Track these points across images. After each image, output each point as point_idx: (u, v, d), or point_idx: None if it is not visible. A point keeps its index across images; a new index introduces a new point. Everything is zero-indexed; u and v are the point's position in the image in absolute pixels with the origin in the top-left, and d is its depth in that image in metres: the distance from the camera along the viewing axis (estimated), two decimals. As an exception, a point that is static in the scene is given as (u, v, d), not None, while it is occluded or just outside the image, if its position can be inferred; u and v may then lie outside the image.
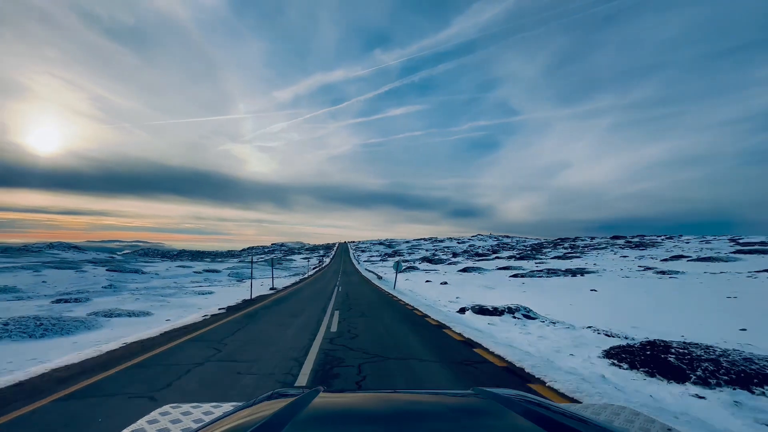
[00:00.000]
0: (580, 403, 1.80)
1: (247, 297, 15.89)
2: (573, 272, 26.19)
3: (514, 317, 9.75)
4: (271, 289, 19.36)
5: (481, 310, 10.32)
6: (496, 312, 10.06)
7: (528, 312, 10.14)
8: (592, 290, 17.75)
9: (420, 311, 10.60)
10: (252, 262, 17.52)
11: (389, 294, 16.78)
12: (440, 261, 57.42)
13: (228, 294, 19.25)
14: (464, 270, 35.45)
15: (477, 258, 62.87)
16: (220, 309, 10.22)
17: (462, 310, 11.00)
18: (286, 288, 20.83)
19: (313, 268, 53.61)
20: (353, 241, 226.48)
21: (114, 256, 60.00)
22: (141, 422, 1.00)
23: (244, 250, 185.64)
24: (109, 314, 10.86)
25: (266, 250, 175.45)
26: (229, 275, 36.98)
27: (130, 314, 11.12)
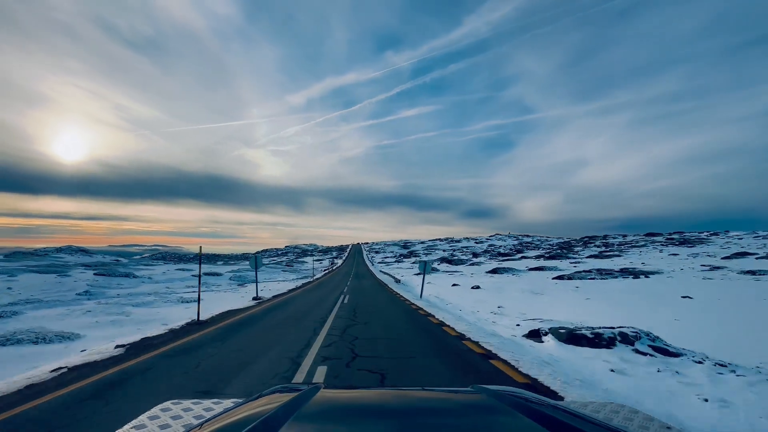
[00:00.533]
0: (580, 401, 1.56)
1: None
2: (633, 273, 21.53)
3: (638, 351, 5.71)
4: (254, 299, 15.31)
5: (572, 338, 6.28)
6: (600, 340, 6.02)
7: (653, 341, 6.07)
8: (684, 297, 13.33)
9: (505, 362, 4.99)
10: (201, 263, 13.67)
11: (415, 307, 11.51)
12: (461, 261, 52.68)
13: (217, 301, 15.85)
14: (494, 271, 30.92)
15: (501, 258, 57.91)
16: (117, 347, 6.18)
17: (534, 335, 6.97)
18: (275, 297, 16.28)
19: (323, 270, 50.06)
20: (367, 243, 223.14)
21: (120, 259, 58.14)
22: (142, 418, 0.99)
23: (257, 252, 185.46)
24: (4, 341, 7.41)
25: (279, 252, 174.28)
26: (230, 279, 33.84)
27: (39, 339, 7.64)
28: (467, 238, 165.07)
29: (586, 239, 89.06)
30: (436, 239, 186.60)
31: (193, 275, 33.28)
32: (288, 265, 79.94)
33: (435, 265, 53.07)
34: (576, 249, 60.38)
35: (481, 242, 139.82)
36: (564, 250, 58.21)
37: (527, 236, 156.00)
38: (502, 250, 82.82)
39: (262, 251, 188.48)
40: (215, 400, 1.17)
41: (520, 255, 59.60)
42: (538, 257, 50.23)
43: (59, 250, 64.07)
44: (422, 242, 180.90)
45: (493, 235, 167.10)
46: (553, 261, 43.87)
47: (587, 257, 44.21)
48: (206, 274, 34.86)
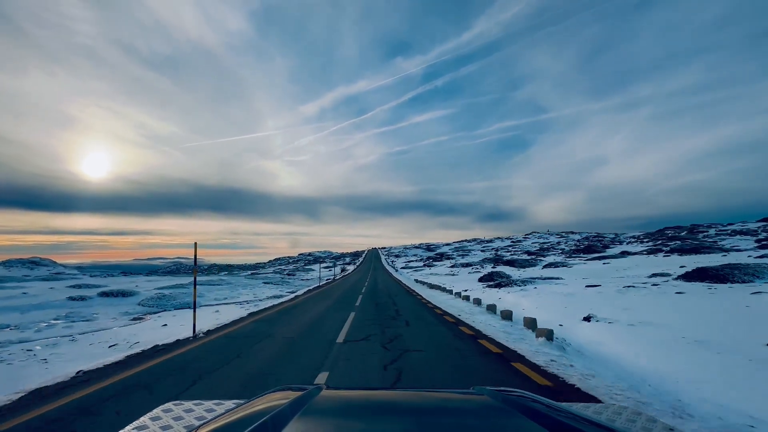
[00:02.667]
0: (582, 402, 1.47)
1: None
2: None
3: None
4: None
5: None
6: None
7: None
8: None
9: None
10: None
11: None
12: (526, 263, 35.35)
13: None
14: (700, 276, 13.21)
15: (582, 255, 40.65)
16: None
17: None
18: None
19: (325, 281, 34.70)
20: (384, 247, 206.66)
21: (72, 273, 45.30)
22: (144, 419, 0.98)
23: (270, 261, 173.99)
24: None
25: (291, 260, 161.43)
26: (139, 303, 18.55)
27: None
28: (500, 238, 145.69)
29: (668, 231, 69.14)
30: (463, 240, 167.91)
31: (68, 298, 18.23)
32: (289, 275, 65.25)
33: (484, 266, 36.16)
34: (704, 236, 42.25)
35: (518, 241, 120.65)
36: (684, 242, 39.84)
37: (572, 233, 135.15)
38: (565, 248, 64.73)
39: (275, 260, 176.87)
40: (216, 401, 1.14)
41: (620, 250, 41.38)
42: (653, 251, 32.82)
43: (20, 261, 54.24)
44: (448, 244, 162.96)
45: (530, 234, 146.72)
46: (698, 256, 26.43)
47: (750, 249, 26.51)
48: (105, 294, 19.91)
